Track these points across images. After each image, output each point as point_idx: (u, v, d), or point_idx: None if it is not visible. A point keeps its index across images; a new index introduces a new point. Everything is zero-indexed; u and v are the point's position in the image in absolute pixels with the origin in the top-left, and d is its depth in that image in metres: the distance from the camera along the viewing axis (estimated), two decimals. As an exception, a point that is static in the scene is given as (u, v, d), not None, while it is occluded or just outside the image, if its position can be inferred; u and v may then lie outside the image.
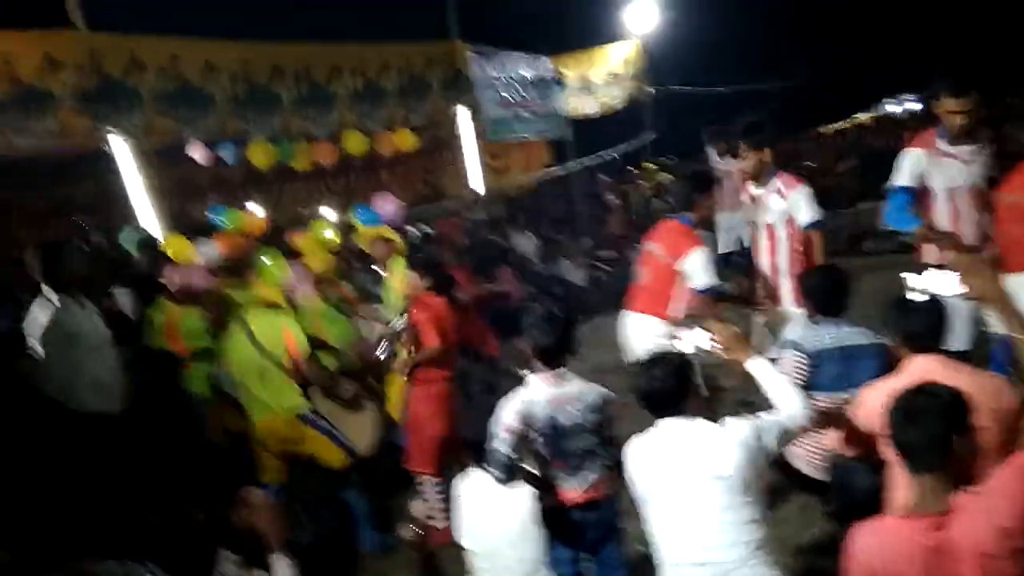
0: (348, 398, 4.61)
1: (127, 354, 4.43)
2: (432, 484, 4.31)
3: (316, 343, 4.46)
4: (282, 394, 4.13)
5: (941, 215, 4.09)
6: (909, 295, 2.87)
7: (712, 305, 4.11)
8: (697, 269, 4.08)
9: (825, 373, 3.26)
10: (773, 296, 4.52)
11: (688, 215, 4.27)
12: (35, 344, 3.96)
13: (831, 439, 3.10)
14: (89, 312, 4.13)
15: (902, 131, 13.41)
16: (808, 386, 3.17)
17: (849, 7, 19.33)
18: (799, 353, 3.30)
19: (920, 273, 2.87)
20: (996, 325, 3.28)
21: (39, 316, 4.00)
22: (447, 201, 11.87)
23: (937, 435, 2.06)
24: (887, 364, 3.24)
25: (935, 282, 2.77)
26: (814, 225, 4.34)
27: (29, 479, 3.49)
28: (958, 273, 2.60)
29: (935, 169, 3.98)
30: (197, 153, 7.05)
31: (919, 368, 2.72)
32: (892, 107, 19.85)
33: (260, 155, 7.22)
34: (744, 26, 18.61)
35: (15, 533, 3.22)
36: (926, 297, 2.81)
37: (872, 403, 2.70)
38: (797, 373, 3.23)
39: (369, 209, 5.38)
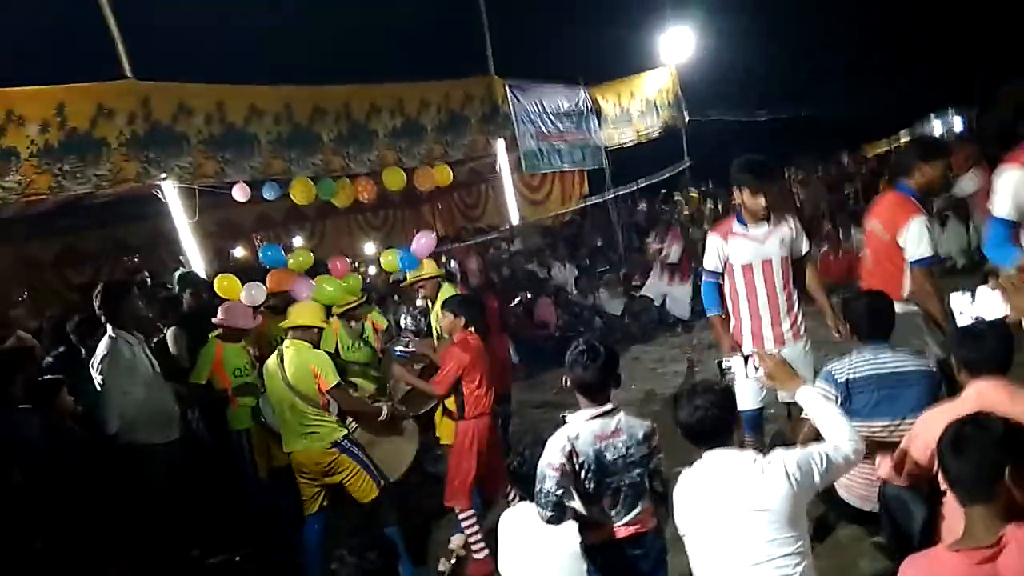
0: (383, 420, 4.57)
1: (175, 391, 4.55)
2: (469, 516, 4.30)
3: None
4: (313, 426, 4.22)
5: None
6: (957, 319, 2.80)
7: (925, 279, 3.69)
8: (911, 240, 3.70)
9: (861, 401, 3.18)
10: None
11: (906, 181, 3.88)
12: (97, 378, 4.10)
13: (882, 468, 3.01)
14: (142, 348, 4.28)
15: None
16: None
17: (883, 23, 19.11)
18: (827, 383, 3.24)
19: (966, 295, 2.79)
20: None
21: (100, 351, 4.16)
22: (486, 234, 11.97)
23: (986, 467, 2.00)
24: (936, 389, 3.17)
25: (979, 303, 2.69)
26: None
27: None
28: (1002, 293, 2.51)
29: None
30: (241, 193, 7.25)
31: (979, 394, 2.65)
32: (936, 125, 19.43)
33: (301, 193, 7.40)
34: (779, 52, 18.52)
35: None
36: (971, 320, 2.74)
37: (930, 431, 2.61)
38: None
39: (407, 252, 5.37)
